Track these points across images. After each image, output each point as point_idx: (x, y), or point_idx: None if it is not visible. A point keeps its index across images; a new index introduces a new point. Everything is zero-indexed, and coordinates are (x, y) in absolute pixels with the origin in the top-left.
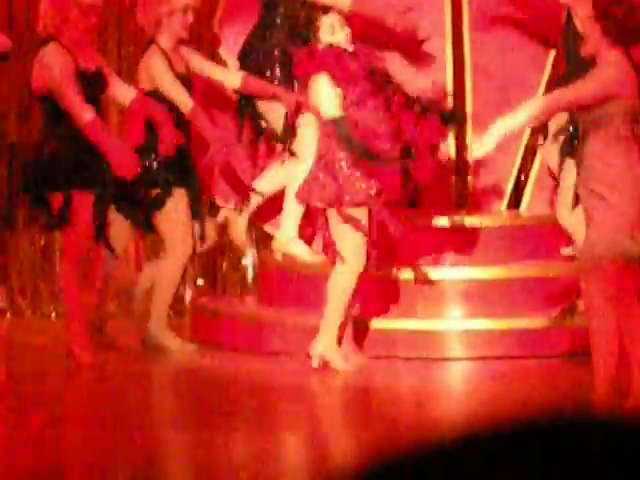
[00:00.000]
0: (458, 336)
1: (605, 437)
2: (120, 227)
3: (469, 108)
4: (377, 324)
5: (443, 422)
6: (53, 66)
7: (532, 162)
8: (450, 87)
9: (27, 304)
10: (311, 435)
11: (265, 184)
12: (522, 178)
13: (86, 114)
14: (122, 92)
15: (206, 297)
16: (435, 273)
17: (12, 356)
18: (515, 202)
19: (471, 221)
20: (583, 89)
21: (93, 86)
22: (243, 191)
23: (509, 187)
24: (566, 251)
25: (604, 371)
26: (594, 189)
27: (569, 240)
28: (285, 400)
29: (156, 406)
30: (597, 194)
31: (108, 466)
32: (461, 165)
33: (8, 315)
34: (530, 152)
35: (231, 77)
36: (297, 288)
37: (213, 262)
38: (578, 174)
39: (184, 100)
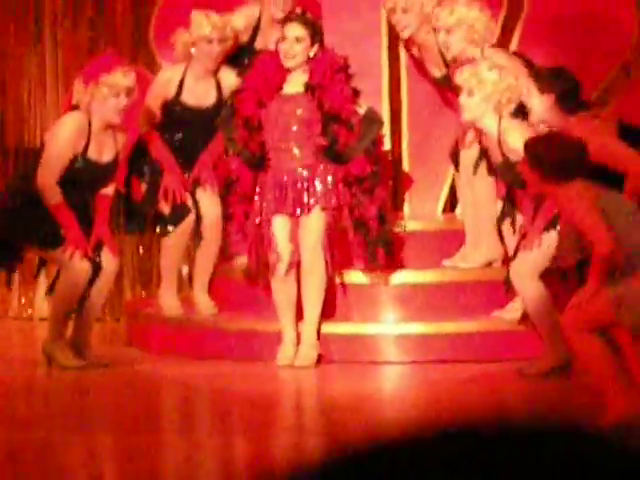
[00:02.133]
0: (392, 340)
1: (536, 441)
2: None
3: (405, 113)
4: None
5: (378, 425)
6: (58, 134)
7: None
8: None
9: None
10: (250, 438)
11: None
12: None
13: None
14: None
15: (142, 301)
16: (369, 278)
17: None
18: (451, 206)
19: (407, 225)
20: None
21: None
22: None
23: (443, 192)
24: (447, 262)
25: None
26: None
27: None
28: (226, 404)
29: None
30: None
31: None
32: (397, 170)
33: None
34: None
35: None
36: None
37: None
38: None
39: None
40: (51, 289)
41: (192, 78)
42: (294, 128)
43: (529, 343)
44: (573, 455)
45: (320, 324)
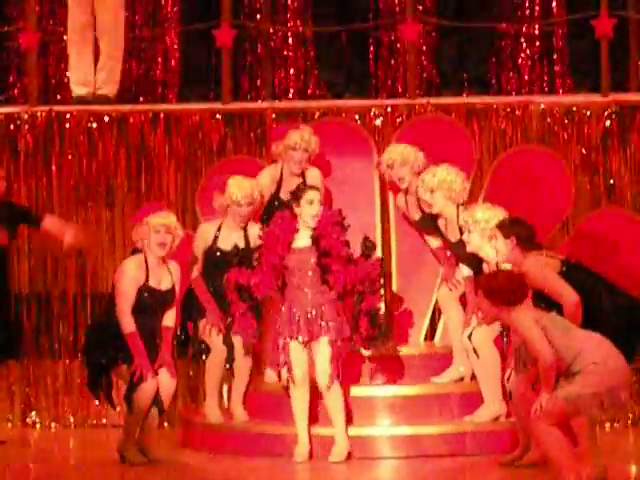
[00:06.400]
0: (387, 439)
1: None
2: None
3: (394, 265)
4: (324, 431)
5: None
6: (123, 272)
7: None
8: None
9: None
10: None
11: None
12: (436, 316)
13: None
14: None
15: (192, 411)
16: (369, 390)
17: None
18: (430, 334)
19: (396, 350)
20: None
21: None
22: None
23: (425, 323)
24: (435, 379)
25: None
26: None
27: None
28: None
29: None
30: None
31: None
32: (389, 309)
33: (37, 427)
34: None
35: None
36: (276, 405)
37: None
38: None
39: None
40: (127, 401)
41: (226, 230)
42: (309, 274)
43: (494, 441)
44: None
45: (347, 427)
